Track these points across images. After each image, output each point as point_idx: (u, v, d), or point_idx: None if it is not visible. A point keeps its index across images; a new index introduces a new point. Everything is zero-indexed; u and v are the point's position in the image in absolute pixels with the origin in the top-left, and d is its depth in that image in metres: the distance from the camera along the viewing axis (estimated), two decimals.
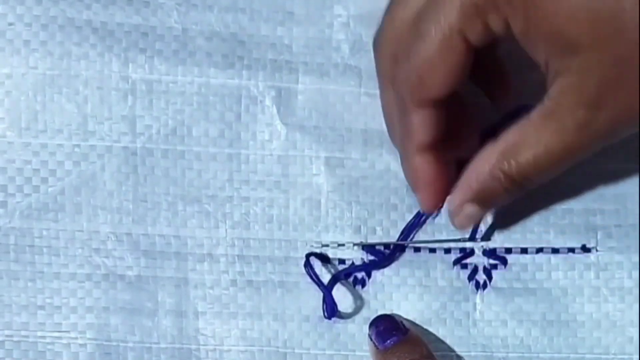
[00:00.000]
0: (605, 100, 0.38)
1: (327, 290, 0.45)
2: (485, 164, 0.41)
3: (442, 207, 0.44)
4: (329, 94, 0.47)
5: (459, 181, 0.43)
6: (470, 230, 0.46)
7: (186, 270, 0.46)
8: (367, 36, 0.47)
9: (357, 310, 0.46)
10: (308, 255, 0.46)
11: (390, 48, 0.42)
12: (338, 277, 0.46)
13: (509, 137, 0.41)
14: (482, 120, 0.45)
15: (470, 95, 0.45)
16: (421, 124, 0.42)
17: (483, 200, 0.43)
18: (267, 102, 0.47)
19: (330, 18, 0.47)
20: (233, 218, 0.46)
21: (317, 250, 0.46)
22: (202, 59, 0.46)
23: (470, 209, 0.43)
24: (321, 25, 0.47)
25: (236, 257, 0.46)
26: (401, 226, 0.47)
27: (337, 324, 0.46)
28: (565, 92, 0.38)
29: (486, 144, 0.42)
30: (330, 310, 0.45)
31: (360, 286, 0.46)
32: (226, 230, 0.46)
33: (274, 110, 0.47)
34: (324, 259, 0.46)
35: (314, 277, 0.45)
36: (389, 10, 0.42)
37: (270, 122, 0.47)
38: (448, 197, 0.44)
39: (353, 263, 0.46)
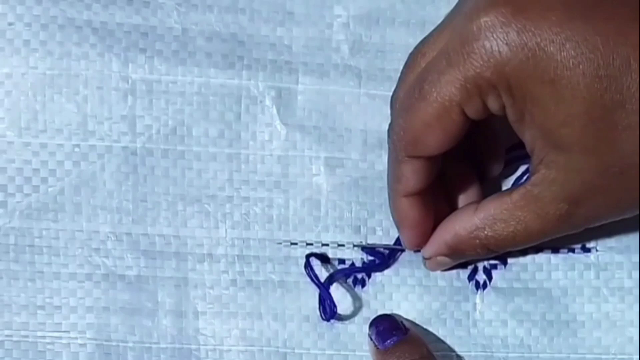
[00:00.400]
0: (586, 200, 0.40)
1: (325, 291, 0.45)
2: (462, 228, 0.43)
3: None
4: (329, 94, 0.47)
5: (434, 233, 0.45)
6: None
7: (186, 270, 0.46)
8: (367, 37, 0.47)
9: (357, 310, 0.46)
10: (308, 256, 0.46)
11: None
12: (335, 276, 0.46)
13: (490, 208, 0.43)
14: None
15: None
16: (411, 174, 0.43)
17: (455, 256, 0.45)
18: (267, 102, 0.47)
19: (330, 18, 0.47)
20: (233, 218, 0.46)
21: (317, 251, 0.46)
22: (202, 59, 0.46)
23: (442, 259, 0.45)
24: (321, 26, 0.47)
25: (236, 257, 0.46)
26: None
27: (337, 324, 0.46)
28: (550, 184, 0.40)
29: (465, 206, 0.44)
30: (330, 312, 0.45)
31: (360, 286, 0.46)
32: (226, 230, 0.46)
33: (274, 110, 0.47)
34: (324, 259, 0.46)
35: (314, 278, 0.45)
36: (405, 66, 0.43)
37: (270, 122, 0.47)
38: (424, 248, 0.45)
39: (353, 263, 0.46)
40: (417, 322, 0.46)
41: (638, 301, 0.46)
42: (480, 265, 0.46)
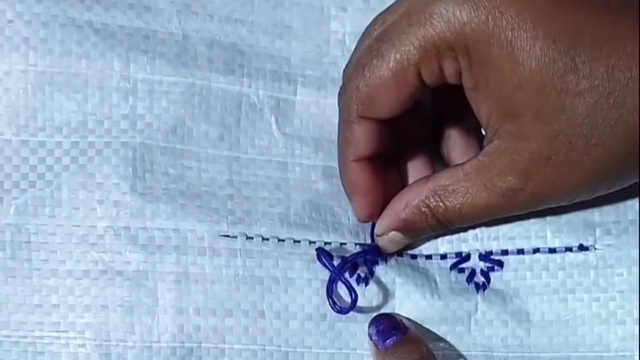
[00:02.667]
0: (533, 173, 0.40)
1: (343, 278, 0.45)
2: (415, 198, 0.44)
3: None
4: (326, 107, 0.48)
5: (387, 206, 0.45)
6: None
7: (186, 264, 0.45)
8: None
9: (359, 309, 0.45)
10: (318, 250, 0.45)
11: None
12: (348, 261, 0.45)
13: (442, 178, 0.43)
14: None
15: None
16: (362, 136, 0.43)
17: (407, 230, 0.44)
18: (266, 110, 0.47)
19: (327, 34, 0.48)
20: (235, 214, 0.46)
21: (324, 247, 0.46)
22: (203, 63, 0.47)
23: (395, 235, 0.45)
24: (318, 41, 0.48)
25: (238, 252, 0.45)
26: None
27: (339, 322, 0.45)
28: (500, 155, 0.41)
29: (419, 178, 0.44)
30: (354, 299, 0.44)
31: (363, 285, 0.46)
32: (227, 225, 0.45)
33: (273, 119, 0.47)
34: (328, 256, 0.46)
35: (329, 266, 0.44)
36: (362, 35, 0.44)
37: (269, 130, 0.47)
38: (377, 224, 0.45)
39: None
40: (418, 321, 0.46)
41: (638, 297, 0.45)
42: (478, 268, 0.46)
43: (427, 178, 0.44)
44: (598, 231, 0.46)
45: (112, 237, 0.45)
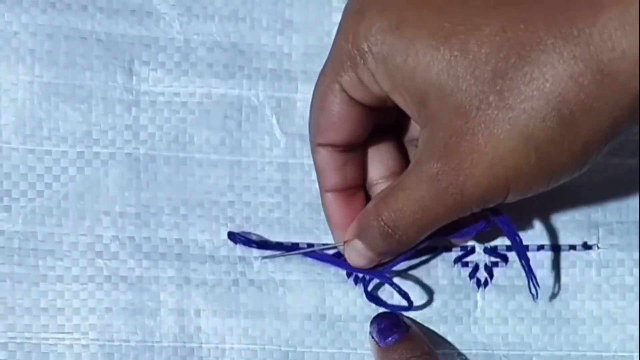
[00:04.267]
0: (452, 151, 0.38)
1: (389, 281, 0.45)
2: (371, 202, 0.43)
3: None
4: None
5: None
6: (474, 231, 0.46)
7: (188, 270, 0.47)
8: None
9: (359, 308, 0.47)
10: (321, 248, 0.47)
11: None
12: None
13: (393, 182, 0.42)
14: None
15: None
16: (324, 165, 0.44)
17: (365, 238, 0.43)
18: (267, 111, 0.48)
19: (329, 26, 0.48)
20: (235, 221, 0.47)
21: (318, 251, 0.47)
22: (203, 70, 0.47)
23: (355, 243, 0.44)
24: (320, 33, 0.48)
25: (238, 259, 0.47)
26: None
27: (339, 322, 0.47)
28: (422, 144, 0.40)
29: None
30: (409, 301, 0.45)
31: (361, 284, 0.47)
32: (227, 233, 0.47)
33: (274, 119, 0.48)
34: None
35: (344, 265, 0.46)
36: None
37: (270, 131, 0.48)
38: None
39: None
40: (418, 320, 0.47)
41: (639, 298, 0.46)
42: (482, 263, 0.47)
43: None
44: (601, 231, 0.47)
45: (118, 246, 0.46)
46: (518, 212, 0.46)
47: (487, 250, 0.47)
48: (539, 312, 0.47)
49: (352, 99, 0.42)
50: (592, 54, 0.35)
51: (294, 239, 0.47)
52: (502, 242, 0.47)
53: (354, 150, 0.44)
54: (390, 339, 0.44)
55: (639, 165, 0.47)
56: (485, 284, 0.47)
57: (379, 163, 0.45)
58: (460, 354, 0.47)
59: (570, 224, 0.47)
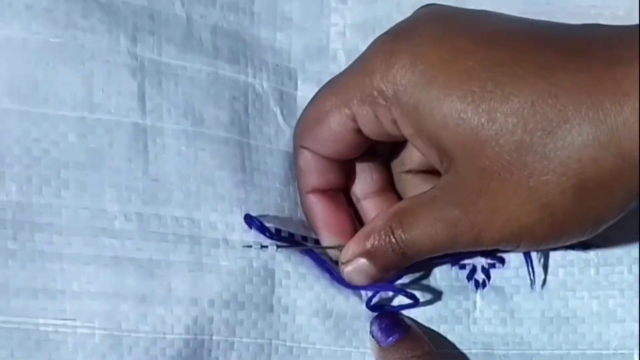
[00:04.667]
0: (470, 205, 0.40)
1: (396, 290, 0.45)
2: (380, 221, 0.43)
3: None
4: None
5: (356, 234, 0.44)
6: None
7: (200, 254, 0.43)
8: (364, 46, 0.46)
9: (364, 307, 0.45)
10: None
11: None
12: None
13: (405, 202, 0.43)
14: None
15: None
16: (305, 166, 0.44)
17: (374, 256, 0.43)
18: (272, 102, 0.46)
19: (327, 27, 0.48)
20: (248, 203, 0.44)
21: None
22: (209, 50, 0.45)
23: (363, 263, 0.44)
24: (318, 33, 0.48)
25: (252, 243, 0.44)
26: None
27: (344, 320, 0.45)
28: (445, 188, 0.42)
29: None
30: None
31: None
32: (241, 215, 0.44)
33: (278, 110, 0.46)
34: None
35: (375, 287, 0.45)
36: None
37: (275, 121, 0.46)
38: (344, 249, 0.45)
39: None
40: (418, 320, 0.46)
41: (638, 296, 0.46)
42: (479, 265, 0.47)
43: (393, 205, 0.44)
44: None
45: (123, 223, 0.42)
46: None
47: (483, 253, 0.47)
48: (538, 311, 0.46)
49: (358, 128, 0.42)
50: (615, 140, 0.37)
51: (302, 231, 0.45)
52: None
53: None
54: (391, 338, 0.43)
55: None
56: (484, 285, 0.47)
57: (366, 175, 0.46)
58: (460, 354, 0.46)
59: None
